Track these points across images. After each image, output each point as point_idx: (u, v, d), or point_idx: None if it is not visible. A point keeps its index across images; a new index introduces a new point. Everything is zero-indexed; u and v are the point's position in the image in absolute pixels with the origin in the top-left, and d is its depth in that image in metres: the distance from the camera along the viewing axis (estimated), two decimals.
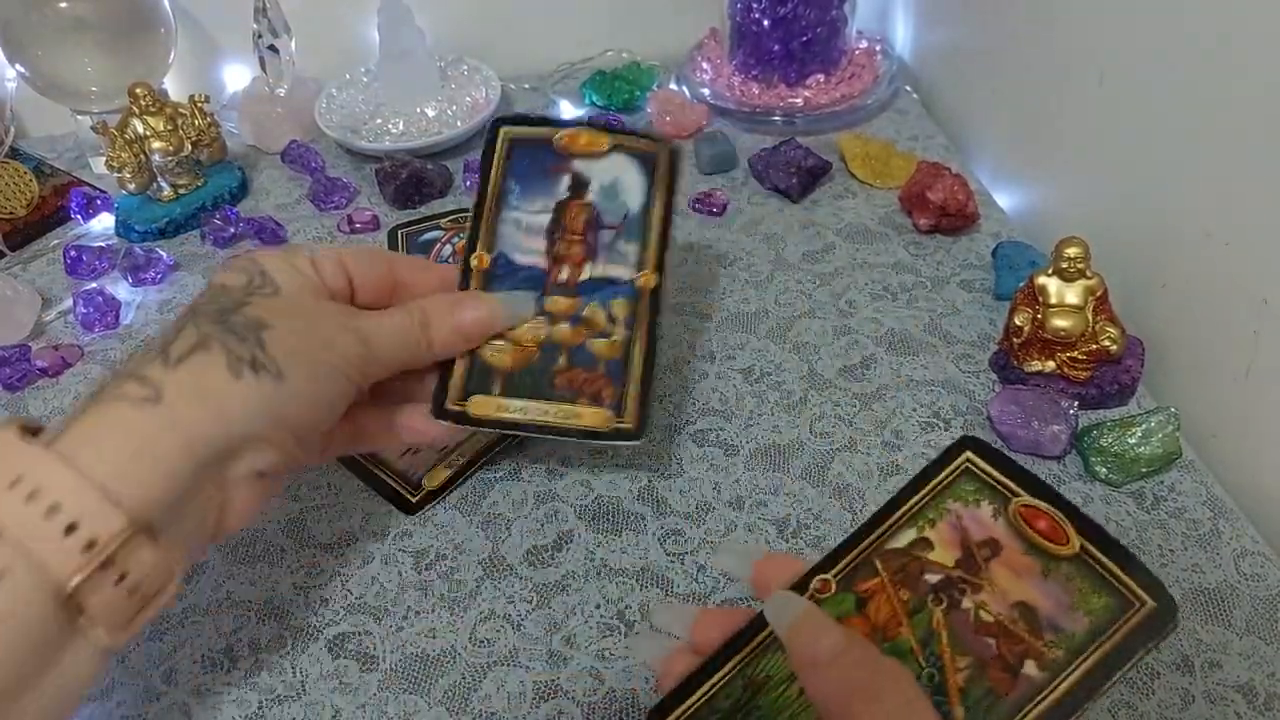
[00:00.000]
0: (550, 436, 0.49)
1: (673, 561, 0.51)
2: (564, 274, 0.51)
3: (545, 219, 0.52)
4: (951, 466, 0.37)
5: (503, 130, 0.53)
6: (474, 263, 0.51)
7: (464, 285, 0.51)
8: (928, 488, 0.37)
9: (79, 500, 0.33)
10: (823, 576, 0.36)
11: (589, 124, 0.53)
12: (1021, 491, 0.36)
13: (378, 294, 0.47)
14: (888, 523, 0.37)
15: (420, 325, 0.46)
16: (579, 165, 0.53)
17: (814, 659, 0.32)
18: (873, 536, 0.36)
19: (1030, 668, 0.32)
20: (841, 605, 0.35)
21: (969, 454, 0.37)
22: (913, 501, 0.37)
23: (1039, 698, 0.32)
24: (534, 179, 0.53)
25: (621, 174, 0.53)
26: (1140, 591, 0.33)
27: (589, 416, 0.49)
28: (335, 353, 0.42)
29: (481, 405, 0.49)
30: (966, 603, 0.34)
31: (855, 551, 0.36)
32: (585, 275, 0.51)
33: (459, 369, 0.49)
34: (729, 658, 0.35)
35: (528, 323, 0.50)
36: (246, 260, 0.43)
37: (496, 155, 0.53)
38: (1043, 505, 0.36)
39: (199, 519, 0.38)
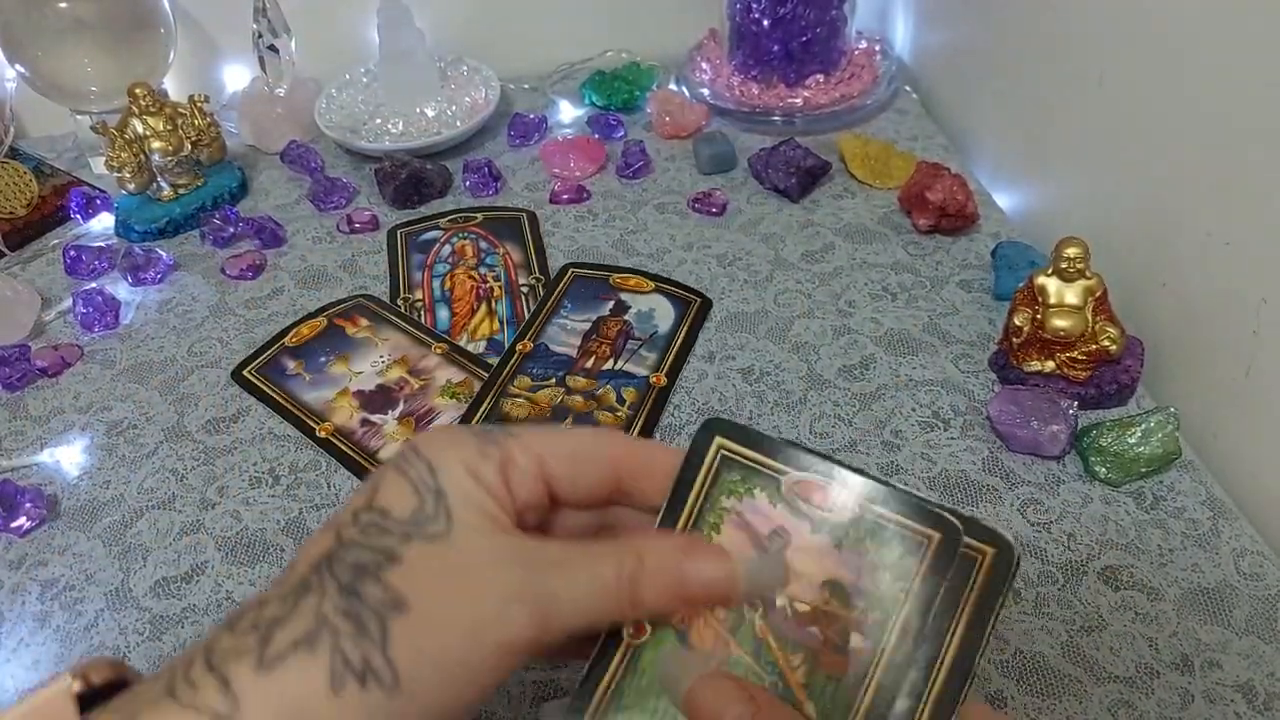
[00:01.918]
0: None
1: None
2: (589, 363, 0.61)
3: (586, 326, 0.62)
4: (709, 460, 0.35)
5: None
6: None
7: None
8: (695, 490, 0.34)
9: None
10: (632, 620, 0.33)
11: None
12: (786, 468, 0.34)
13: (590, 497, 0.35)
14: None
15: (631, 581, 0.32)
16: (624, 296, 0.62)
17: None
18: None
19: (855, 640, 0.31)
20: (663, 644, 0.33)
21: (719, 439, 0.35)
22: (689, 509, 0.34)
23: (877, 660, 0.31)
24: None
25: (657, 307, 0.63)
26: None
27: None
28: (491, 641, 0.30)
29: None
30: (780, 600, 0.33)
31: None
32: (606, 367, 0.60)
33: None
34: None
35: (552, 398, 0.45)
36: (423, 466, 0.32)
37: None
38: (811, 476, 0.34)
39: None
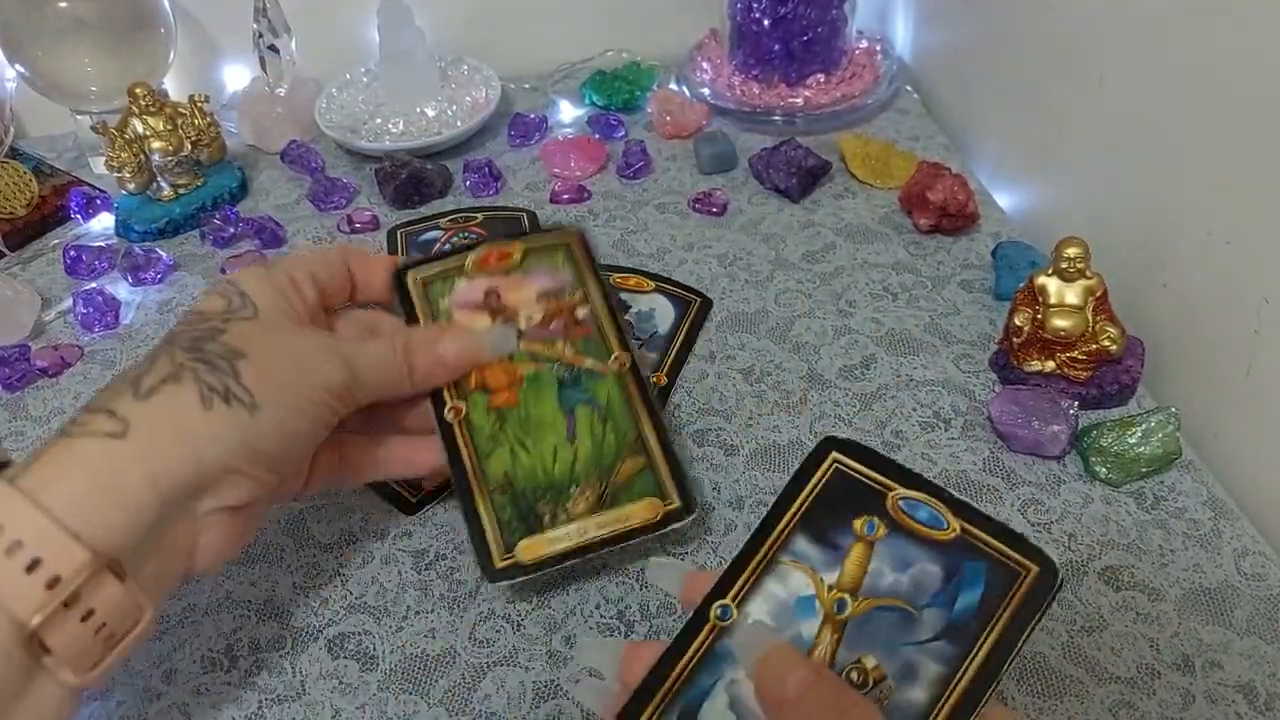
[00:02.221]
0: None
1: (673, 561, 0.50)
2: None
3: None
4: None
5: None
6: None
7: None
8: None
9: (40, 537, 0.33)
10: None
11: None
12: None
13: (341, 294, 0.48)
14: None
15: (403, 352, 0.45)
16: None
17: (781, 697, 0.31)
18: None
19: (583, 313, 0.47)
20: (478, 407, 0.45)
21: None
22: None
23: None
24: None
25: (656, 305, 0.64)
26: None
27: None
28: (316, 379, 0.41)
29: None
30: (521, 325, 0.50)
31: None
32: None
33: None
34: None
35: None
36: (226, 283, 0.43)
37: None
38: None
39: (170, 556, 0.38)
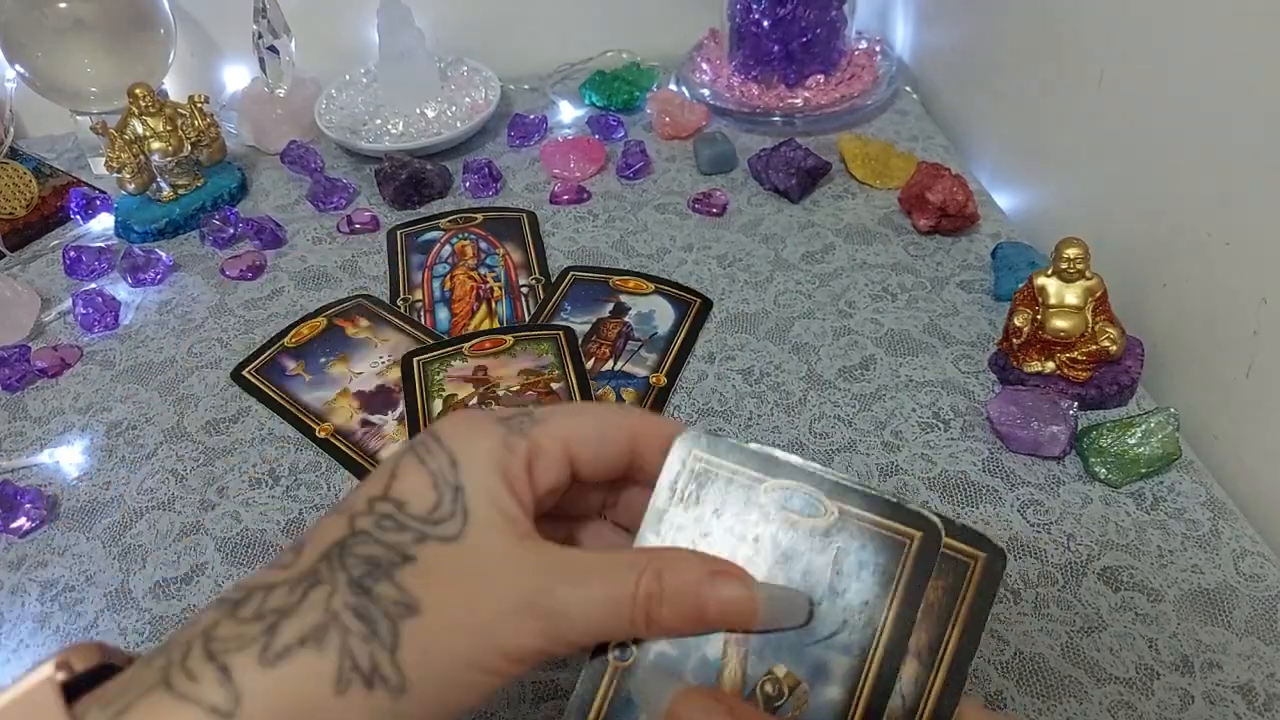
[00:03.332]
0: None
1: None
2: (589, 364, 0.60)
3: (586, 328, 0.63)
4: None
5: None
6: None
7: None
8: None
9: None
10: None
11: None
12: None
13: (607, 472, 0.35)
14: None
15: (646, 599, 0.31)
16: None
17: None
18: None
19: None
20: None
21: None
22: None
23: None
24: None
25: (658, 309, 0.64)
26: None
27: None
28: (499, 650, 0.30)
29: None
30: None
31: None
32: (606, 368, 0.60)
33: None
34: None
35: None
36: (445, 458, 0.32)
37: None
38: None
39: None
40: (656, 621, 0.31)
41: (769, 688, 0.32)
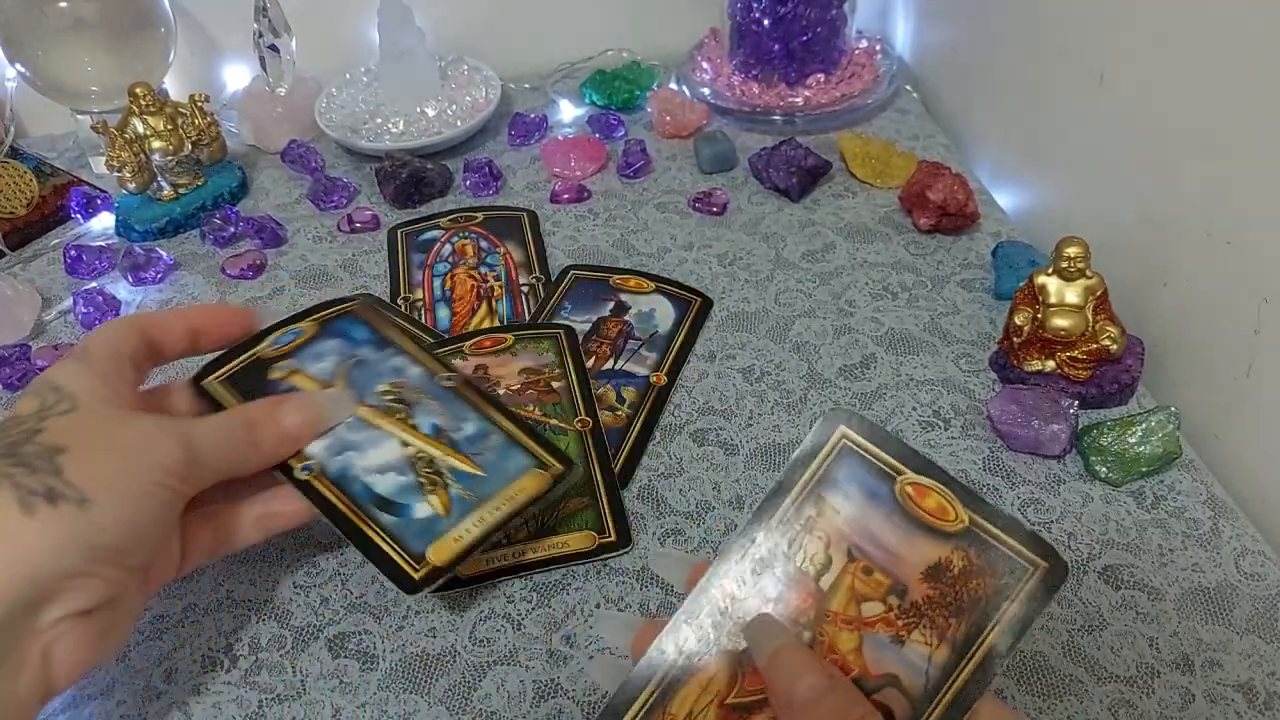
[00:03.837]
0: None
1: None
2: (589, 362, 0.61)
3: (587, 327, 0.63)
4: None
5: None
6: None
7: None
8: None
9: None
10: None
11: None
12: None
13: (175, 348, 0.47)
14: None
15: (244, 426, 0.44)
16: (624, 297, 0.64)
17: (790, 698, 0.31)
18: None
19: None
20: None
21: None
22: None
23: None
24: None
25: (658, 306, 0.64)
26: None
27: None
28: (150, 461, 0.38)
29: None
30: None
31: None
32: (606, 366, 0.61)
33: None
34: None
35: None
36: (38, 381, 0.40)
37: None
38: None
39: (15, 679, 0.35)
40: (261, 444, 0.44)
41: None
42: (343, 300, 0.55)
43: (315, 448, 0.47)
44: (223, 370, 0.50)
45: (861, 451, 0.38)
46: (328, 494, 0.46)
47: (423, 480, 0.47)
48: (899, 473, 0.37)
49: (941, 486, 0.37)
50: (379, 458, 0.48)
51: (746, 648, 0.36)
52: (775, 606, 0.36)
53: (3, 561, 0.33)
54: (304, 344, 0.52)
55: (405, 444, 0.48)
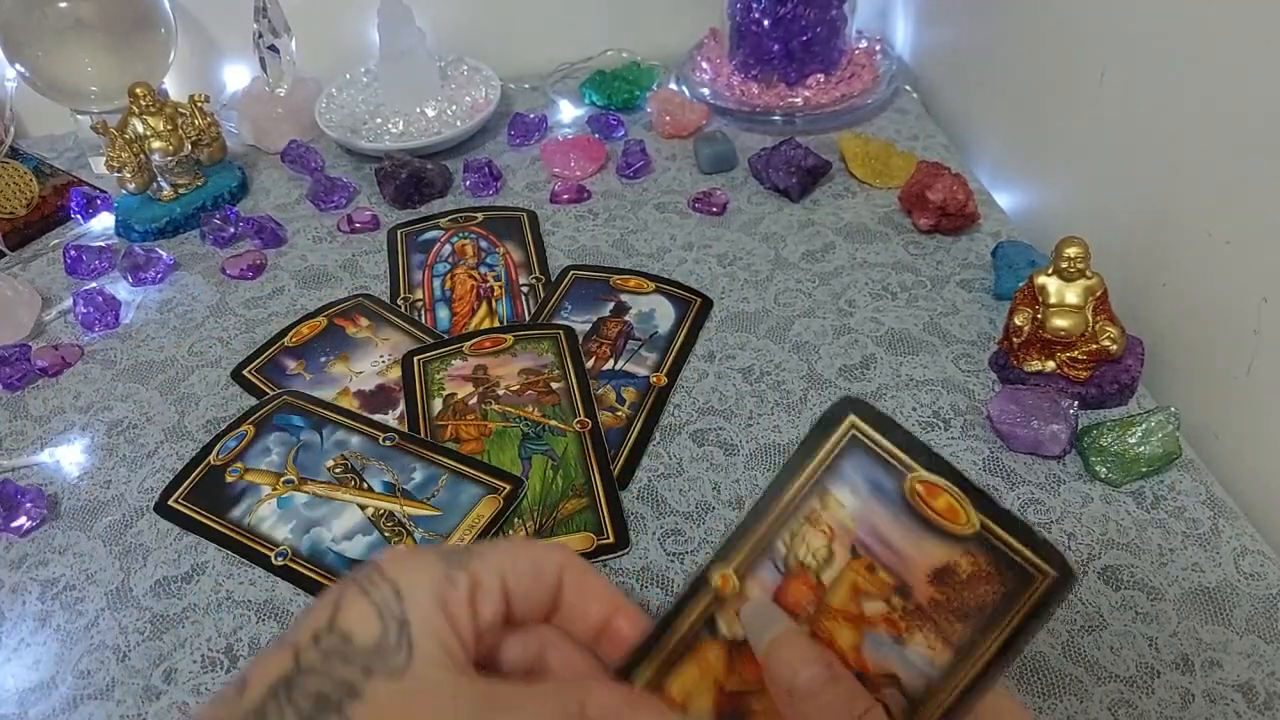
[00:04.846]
0: None
1: (672, 561, 0.50)
2: (589, 363, 0.61)
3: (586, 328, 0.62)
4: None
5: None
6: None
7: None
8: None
9: None
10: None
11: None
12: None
13: (534, 614, 0.36)
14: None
15: None
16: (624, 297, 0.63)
17: (790, 688, 0.31)
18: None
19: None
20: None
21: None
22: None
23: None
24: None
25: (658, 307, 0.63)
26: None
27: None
28: None
29: None
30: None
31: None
32: (606, 367, 0.61)
33: None
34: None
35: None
36: (389, 589, 0.32)
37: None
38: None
39: None
40: None
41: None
42: (341, 300, 0.56)
43: (282, 532, 0.52)
44: (182, 487, 0.55)
45: (870, 443, 0.36)
46: (306, 572, 0.50)
47: (388, 534, 0.52)
48: (909, 469, 0.35)
49: (953, 487, 0.35)
50: (343, 526, 0.52)
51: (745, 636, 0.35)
52: (773, 596, 0.35)
53: None
54: (248, 445, 0.57)
55: (363, 506, 0.53)
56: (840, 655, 0.34)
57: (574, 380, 0.59)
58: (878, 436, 0.36)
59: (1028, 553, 0.34)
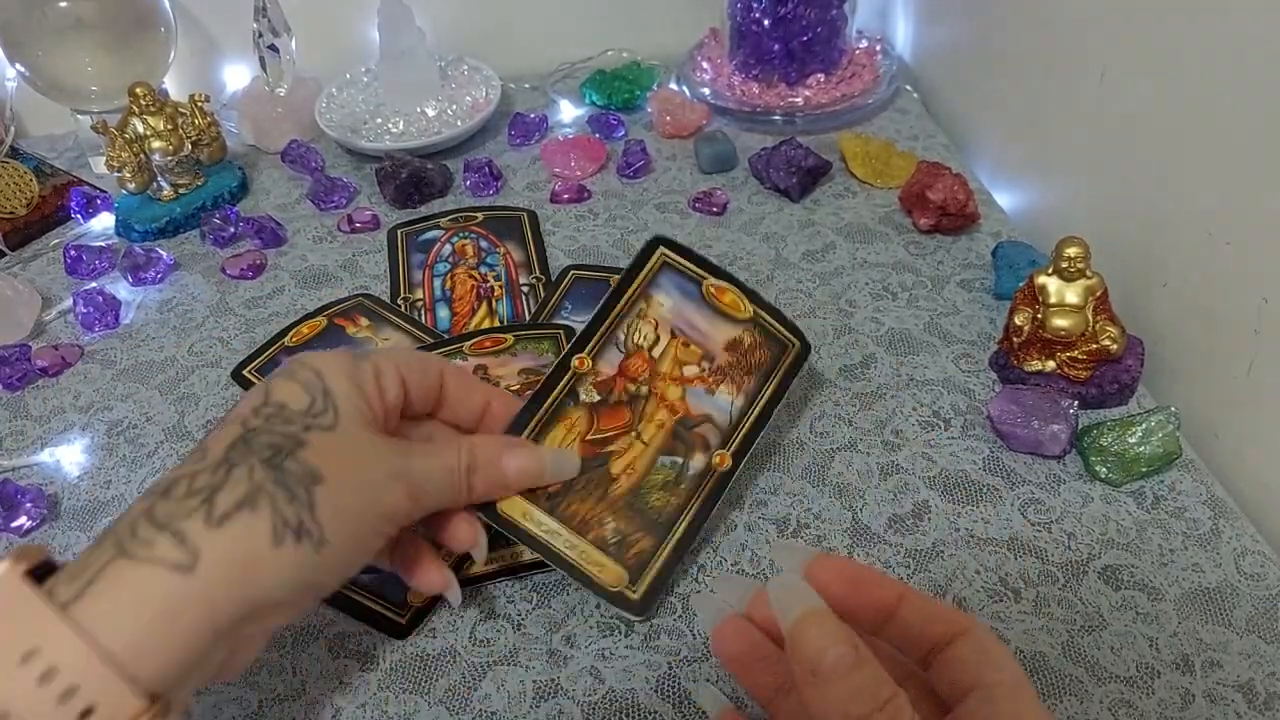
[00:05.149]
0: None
1: None
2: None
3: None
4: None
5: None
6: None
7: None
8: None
9: (97, 685, 0.31)
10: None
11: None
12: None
13: (424, 404, 0.44)
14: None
15: (466, 469, 0.43)
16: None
17: (816, 666, 0.31)
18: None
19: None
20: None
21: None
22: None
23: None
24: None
25: None
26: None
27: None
28: (382, 509, 0.39)
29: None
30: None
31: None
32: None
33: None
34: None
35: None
36: (310, 372, 0.39)
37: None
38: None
39: (202, 675, 0.36)
40: (474, 488, 0.43)
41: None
42: (341, 300, 0.56)
43: None
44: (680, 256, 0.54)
45: (676, 264, 0.53)
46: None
47: None
48: (704, 278, 0.53)
49: (734, 287, 0.53)
50: None
51: (599, 399, 0.49)
52: (618, 368, 0.50)
53: (242, 584, 0.34)
54: None
55: None
56: (670, 405, 0.50)
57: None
58: (681, 259, 0.53)
59: (784, 330, 0.53)
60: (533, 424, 0.48)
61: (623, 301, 0.51)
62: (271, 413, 0.38)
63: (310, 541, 0.36)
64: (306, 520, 0.36)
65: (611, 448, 0.48)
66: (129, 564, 0.33)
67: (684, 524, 0.48)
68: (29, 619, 0.31)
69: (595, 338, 0.50)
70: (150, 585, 0.33)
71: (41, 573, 0.33)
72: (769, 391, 0.51)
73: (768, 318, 0.52)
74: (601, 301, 0.51)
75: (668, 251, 0.52)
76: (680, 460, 0.49)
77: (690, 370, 0.51)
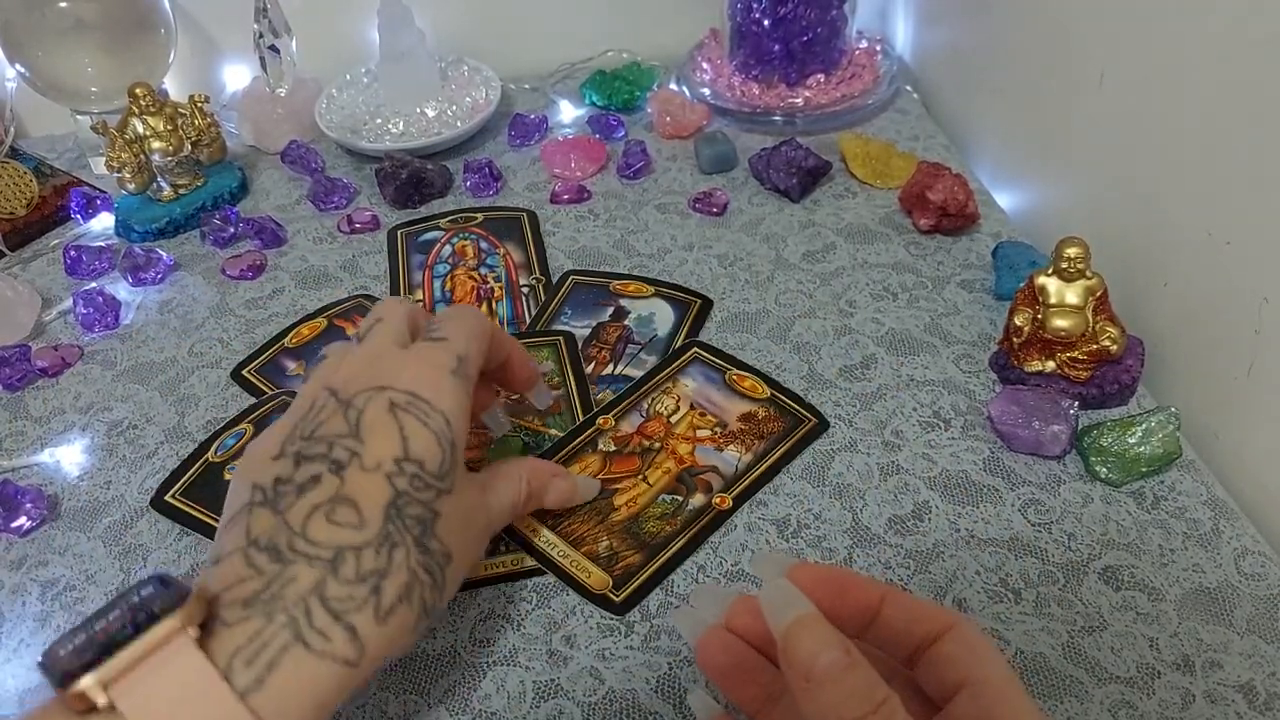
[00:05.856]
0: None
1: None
2: (589, 368, 0.61)
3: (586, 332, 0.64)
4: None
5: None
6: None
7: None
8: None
9: None
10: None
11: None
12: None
13: (490, 377, 0.49)
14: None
15: (526, 499, 0.48)
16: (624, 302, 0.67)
17: (809, 671, 0.31)
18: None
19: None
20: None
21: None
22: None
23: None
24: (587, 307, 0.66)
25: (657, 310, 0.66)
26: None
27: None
28: (472, 560, 0.42)
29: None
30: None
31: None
32: (606, 371, 0.61)
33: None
34: None
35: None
36: (442, 419, 0.40)
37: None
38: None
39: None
40: (524, 512, 0.49)
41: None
42: (341, 301, 0.56)
43: None
44: (180, 483, 0.55)
45: (706, 359, 0.60)
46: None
47: None
48: (728, 369, 0.59)
49: (755, 376, 0.59)
50: None
51: (615, 449, 0.55)
52: (637, 428, 0.56)
53: (376, 665, 0.36)
54: (247, 443, 0.55)
55: None
56: (679, 457, 0.54)
57: (573, 385, 0.59)
58: (711, 357, 0.60)
59: (800, 409, 0.57)
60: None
61: (655, 380, 0.59)
62: (414, 472, 0.39)
63: (425, 616, 0.38)
64: (437, 602, 0.39)
65: (617, 487, 0.53)
66: (306, 655, 0.34)
67: (675, 548, 0.50)
68: (209, 704, 0.32)
69: (622, 405, 0.57)
70: (323, 680, 0.34)
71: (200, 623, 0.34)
72: (778, 453, 0.54)
73: (786, 399, 0.57)
74: (639, 378, 0.59)
75: (701, 351, 0.60)
76: (680, 499, 0.52)
77: (702, 433, 0.56)
